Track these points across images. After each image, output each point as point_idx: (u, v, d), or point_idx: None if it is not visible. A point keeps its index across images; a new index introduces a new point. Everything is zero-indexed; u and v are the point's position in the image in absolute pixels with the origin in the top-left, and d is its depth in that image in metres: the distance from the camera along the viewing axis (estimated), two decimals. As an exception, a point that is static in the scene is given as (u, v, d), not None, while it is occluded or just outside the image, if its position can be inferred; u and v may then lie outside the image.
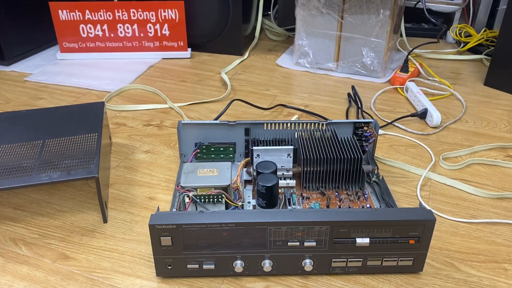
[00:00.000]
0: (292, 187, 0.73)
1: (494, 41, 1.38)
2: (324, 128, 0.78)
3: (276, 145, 0.75)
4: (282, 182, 0.73)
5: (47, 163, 0.68)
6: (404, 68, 1.18)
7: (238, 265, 0.58)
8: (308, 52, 1.26)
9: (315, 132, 0.77)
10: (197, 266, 0.58)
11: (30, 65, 1.29)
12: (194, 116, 1.02)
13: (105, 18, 1.29)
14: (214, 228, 0.55)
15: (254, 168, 0.71)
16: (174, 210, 0.66)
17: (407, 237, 0.57)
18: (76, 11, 1.27)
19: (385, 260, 0.59)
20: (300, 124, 0.77)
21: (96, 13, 1.28)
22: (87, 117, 0.82)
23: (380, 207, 0.69)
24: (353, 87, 1.10)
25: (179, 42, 1.33)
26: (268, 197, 0.65)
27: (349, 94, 1.10)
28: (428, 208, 0.72)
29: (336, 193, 0.72)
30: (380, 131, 0.95)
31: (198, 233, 0.56)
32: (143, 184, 0.79)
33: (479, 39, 1.38)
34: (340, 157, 0.70)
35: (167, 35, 1.32)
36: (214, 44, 1.38)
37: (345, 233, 0.57)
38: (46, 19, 1.34)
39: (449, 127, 0.98)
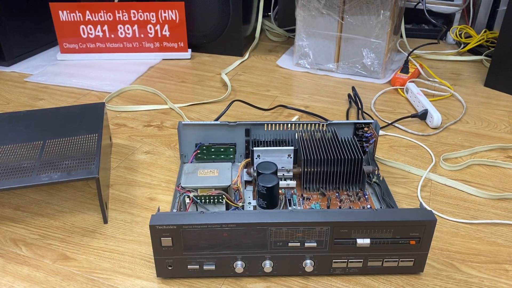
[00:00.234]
0: (292, 188, 0.73)
1: (494, 42, 1.38)
2: (324, 129, 0.78)
3: (276, 146, 0.75)
4: (282, 183, 0.73)
5: (47, 164, 0.68)
6: (404, 69, 1.18)
7: (239, 265, 0.58)
8: (308, 53, 1.26)
9: (316, 133, 0.77)
10: (197, 266, 0.58)
11: (30, 65, 1.29)
12: (194, 117, 1.02)
13: (106, 19, 1.29)
14: (215, 228, 0.55)
15: (255, 168, 0.71)
16: (174, 210, 0.66)
17: (408, 237, 0.57)
18: (77, 11, 1.27)
19: (385, 261, 0.59)
20: (301, 125, 0.77)
21: (96, 14, 1.28)
22: (87, 118, 0.82)
23: (381, 207, 0.69)
24: (353, 88, 1.10)
25: (179, 43, 1.33)
26: (269, 197, 0.65)
27: (349, 95, 1.10)
28: (429, 208, 0.72)
29: (337, 194, 0.72)
30: (381, 132, 0.95)
31: (198, 233, 0.56)
32: (143, 184, 0.79)
33: (479, 40, 1.38)
34: (340, 158, 0.70)
35: (167, 36, 1.32)
36: (215, 45, 1.38)
37: (346, 234, 0.57)
38: (47, 20, 1.34)
39: (449, 128, 0.98)
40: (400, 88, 1.15)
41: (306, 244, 0.57)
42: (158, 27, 1.30)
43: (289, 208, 0.68)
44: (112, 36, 1.31)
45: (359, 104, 1.04)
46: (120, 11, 1.28)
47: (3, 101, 1.09)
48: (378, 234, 0.57)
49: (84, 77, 1.22)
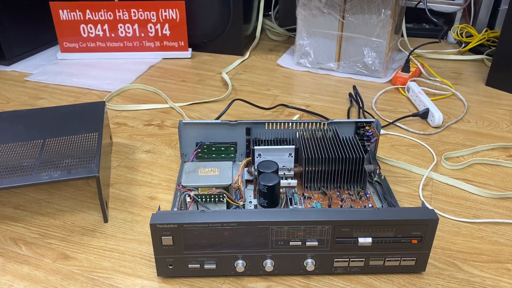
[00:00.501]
0: (293, 187, 0.73)
1: (495, 41, 1.37)
2: (325, 128, 0.77)
3: (277, 145, 0.74)
4: (283, 182, 0.72)
5: (47, 163, 0.68)
6: (406, 68, 1.18)
7: (240, 265, 0.58)
8: (309, 52, 1.26)
9: (317, 132, 0.77)
10: (198, 266, 0.58)
11: (31, 65, 1.29)
12: (195, 116, 1.02)
13: (106, 18, 1.28)
14: (216, 227, 0.55)
15: (256, 167, 0.70)
16: (175, 209, 0.65)
17: (410, 236, 0.57)
18: (77, 11, 1.27)
19: (387, 260, 0.59)
20: (302, 123, 0.77)
21: (96, 13, 1.27)
22: (87, 117, 0.81)
23: (382, 207, 0.68)
24: (354, 87, 1.09)
25: (179, 42, 1.33)
26: (270, 196, 0.65)
27: (350, 94, 1.10)
28: (431, 207, 0.72)
29: (338, 193, 0.71)
30: (382, 131, 0.94)
31: (199, 232, 0.55)
32: (144, 183, 0.79)
33: (480, 39, 1.38)
34: (342, 157, 0.70)
35: (168, 35, 1.32)
36: (215, 44, 1.38)
37: (347, 233, 0.56)
38: (47, 19, 1.34)
39: (450, 127, 0.97)
40: (401, 87, 1.15)
41: (308, 243, 0.57)
42: (158, 26, 1.30)
43: (290, 207, 0.68)
44: (113, 35, 1.31)
45: (360, 103, 1.04)
46: (121, 10, 1.27)
47: (3, 100, 1.09)
48: (379, 233, 0.56)
49: (85, 76, 1.21)
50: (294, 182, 0.73)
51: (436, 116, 0.95)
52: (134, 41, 1.32)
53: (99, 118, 0.81)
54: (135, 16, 1.28)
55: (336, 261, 0.58)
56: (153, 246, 0.56)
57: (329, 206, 0.68)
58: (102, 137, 0.75)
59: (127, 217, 0.71)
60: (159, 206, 0.59)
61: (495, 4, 1.42)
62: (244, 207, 0.67)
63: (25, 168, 0.67)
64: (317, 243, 0.57)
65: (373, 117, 1.01)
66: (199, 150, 0.78)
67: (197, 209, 0.65)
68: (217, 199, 0.64)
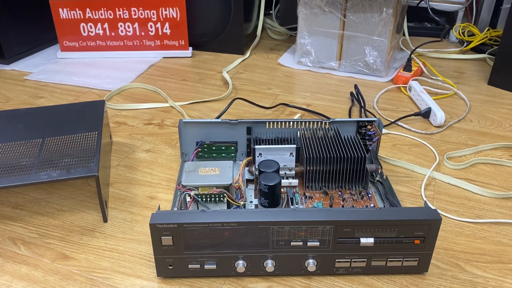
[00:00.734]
0: (294, 187, 0.72)
1: (497, 40, 1.37)
2: (327, 127, 0.77)
3: (278, 144, 0.74)
4: (284, 182, 0.72)
5: (46, 162, 0.67)
6: (407, 67, 1.17)
7: (240, 265, 0.57)
8: (310, 51, 1.25)
9: (318, 131, 0.76)
10: (198, 266, 0.57)
11: (30, 64, 1.28)
12: (195, 115, 1.01)
13: (106, 17, 1.28)
14: (216, 227, 0.54)
15: (256, 167, 0.70)
16: (175, 209, 0.65)
17: (412, 237, 0.56)
18: (77, 9, 1.26)
19: (389, 261, 0.58)
20: (303, 122, 0.76)
21: (96, 12, 1.27)
22: (87, 115, 0.81)
23: (384, 206, 0.68)
24: (356, 86, 1.09)
25: (180, 41, 1.32)
26: (271, 196, 0.64)
27: (351, 93, 1.09)
28: (433, 207, 0.71)
29: (339, 193, 0.71)
30: (384, 130, 0.94)
31: (199, 232, 0.55)
32: (143, 183, 0.78)
33: (483, 38, 1.37)
34: (343, 156, 0.69)
35: (168, 34, 1.31)
36: (216, 43, 1.37)
37: (349, 233, 0.56)
38: (47, 17, 1.33)
39: (453, 126, 0.97)
40: (403, 86, 1.14)
41: (309, 244, 0.56)
42: (158, 25, 1.30)
43: (291, 207, 0.67)
44: (113, 34, 1.30)
45: (362, 102, 1.03)
46: (121, 9, 1.27)
47: (2, 99, 1.08)
48: (382, 233, 0.56)
49: (85, 75, 1.21)
50: (295, 182, 0.72)
51: (438, 115, 0.94)
52: (134, 40, 1.32)
53: (99, 117, 0.80)
54: (135, 14, 1.28)
55: (337, 262, 0.58)
56: (152, 246, 0.55)
57: (331, 206, 0.68)
58: (101, 136, 0.74)
59: (127, 216, 0.70)
60: (159, 206, 0.58)
61: (497, 3, 1.41)
62: (244, 207, 0.66)
63: (24, 168, 0.66)
64: (318, 243, 0.56)
65: (375, 116, 1.00)
66: (200, 149, 0.78)
67: (197, 209, 0.64)
68: (217, 198, 0.64)
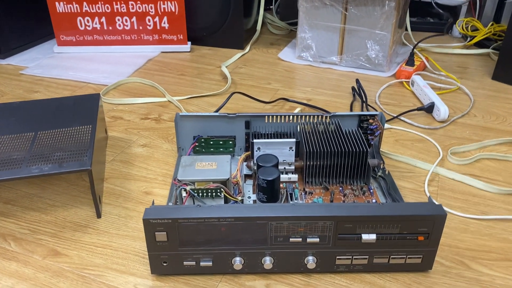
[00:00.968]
0: (294, 182, 0.70)
1: (501, 35, 1.34)
2: (327, 121, 0.75)
3: (277, 139, 0.72)
4: (283, 177, 0.70)
5: (38, 156, 0.65)
6: (410, 61, 1.15)
7: (237, 262, 0.55)
8: (311, 45, 1.23)
9: (319, 125, 0.74)
10: (194, 263, 0.55)
11: (27, 58, 1.26)
12: (193, 109, 0.99)
13: (103, 11, 1.26)
14: (212, 222, 0.52)
15: (255, 161, 0.68)
16: (170, 204, 0.63)
17: (416, 233, 0.54)
18: (74, 3, 1.24)
19: (392, 258, 0.56)
20: (303, 116, 0.74)
21: (94, 6, 1.25)
22: (81, 109, 0.79)
23: (387, 202, 0.66)
24: (357, 80, 1.07)
25: (178, 36, 1.30)
26: (269, 191, 0.62)
27: (353, 88, 1.07)
28: (438, 203, 0.69)
29: (340, 188, 0.69)
30: (386, 125, 0.92)
31: (195, 228, 0.53)
32: (139, 178, 0.76)
33: (486, 33, 1.34)
34: (344, 151, 0.67)
35: (167, 28, 1.29)
36: (215, 37, 1.35)
37: (350, 229, 0.53)
38: (43, 11, 1.31)
39: (456, 122, 0.95)
40: (405, 81, 1.12)
41: (308, 240, 0.54)
42: (157, 19, 1.27)
43: (291, 202, 0.65)
44: (110, 28, 1.28)
45: (364, 97, 1.01)
46: (118, 3, 1.25)
47: (-3, 94, 1.06)
48: (384, 229, 0.54)
49: (81, 70, 1.19)
50: (294, 177, 0.70)
51: (442, 110, 0.92)
52: (132, 34, 1.29)
53: (93, 111, 0.78)
54: (133, 8, 1.26)
55: (338, 259, 0.56)
56: (146, 242, 0.53)
57: (331, 202, 0.66)
58: (96, 130, 0.72)
59: (121, 212, 0.68)
60: (153, 201, 0.56)
61: (501, -3, 1.38)
62: (242, 203, 0.64)
63: (15, 162, 0.64)
64: (318, 240, 0.54)
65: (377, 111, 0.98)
66: (197, 143, 0.75)
67: (193, 204, 0.62)
68: (214, 194, 0.62)
